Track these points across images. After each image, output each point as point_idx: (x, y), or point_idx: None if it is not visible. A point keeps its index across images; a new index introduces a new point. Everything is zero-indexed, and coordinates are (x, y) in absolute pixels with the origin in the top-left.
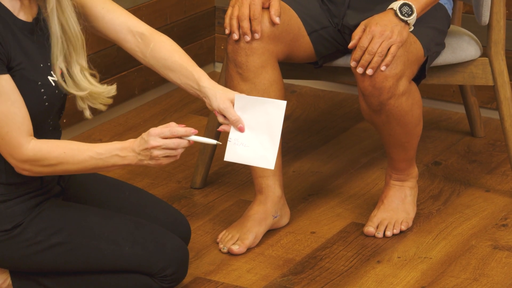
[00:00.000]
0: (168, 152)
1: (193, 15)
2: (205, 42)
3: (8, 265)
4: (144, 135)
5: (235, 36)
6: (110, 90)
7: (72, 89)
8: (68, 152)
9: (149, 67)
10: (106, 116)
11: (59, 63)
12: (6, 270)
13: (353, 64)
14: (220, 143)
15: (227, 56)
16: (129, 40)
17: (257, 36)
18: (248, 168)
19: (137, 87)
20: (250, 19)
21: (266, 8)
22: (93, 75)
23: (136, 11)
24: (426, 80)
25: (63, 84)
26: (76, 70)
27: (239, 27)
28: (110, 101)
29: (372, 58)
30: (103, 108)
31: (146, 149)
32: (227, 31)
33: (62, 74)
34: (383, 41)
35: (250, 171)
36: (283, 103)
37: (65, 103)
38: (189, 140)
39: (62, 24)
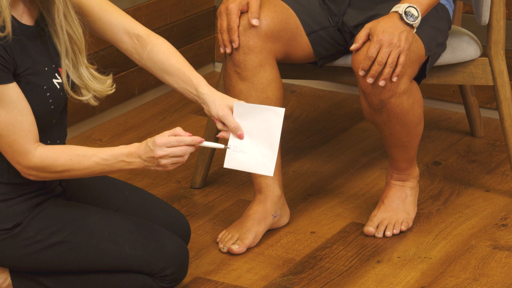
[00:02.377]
0: (175, 160)
1: (193, 15)
2: (205, 42)
3: (8, 264)
4: (149, 143)
5: (221, 50)
6: (110, 84)
7: (81, 96)
8: (74, 159)
9: (145, 69)
10: (106, 116)
11: (67, 69)
12: (6, 269)
13: (361, 73)
14: (229, 147)
15: (225, 55)
16: (125, 41)
17: (234, 45)
18: None
19: (137, 87)
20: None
21: (246, 12)
22: (93, 69)
23: (136, 11)
24: (426, 80)
25: (71, 93)
26: (82, 69)
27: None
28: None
29: (383, 68)
30: (93, 102)
31: (153, 157)
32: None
33: (71, 83)
34: (391, 51)
35: None
36: (282, 110)
37: (67, 101)
38: (195, 145)
39: (67, 30)
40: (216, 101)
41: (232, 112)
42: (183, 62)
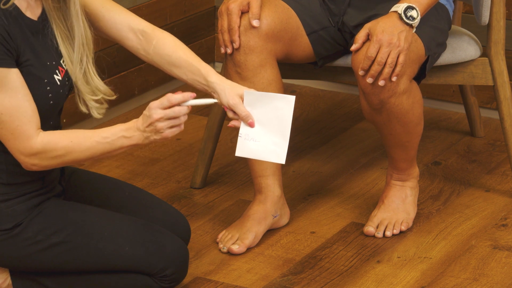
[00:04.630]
0: (171, 122)
1: (193, 15)
2: (204, 42)
3: (8, 264)
4: (145, 111)
5: (222, 50)
6: (112, 93)
7: (88, 95)
8: (75, 141)
9: (152, 64)
10: (106, 116)
11: (78, 71)
12: (6, 270)
13: (361, 73)
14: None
15: (226, 55)
16: (130, 38)
17: (235, 46)
18: (248, 167)
19: (137, 87)
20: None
21: (247, 12)
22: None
23: (136, 11)
24: (426, 80)
25: (78, 92)
26: (92, 72)
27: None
28: (105, 105)
29: (382, 68)
30: (98, 116)
31: (151, 124)
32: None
33: (76, 84)
34: (391, 51)
35: (250, 171)
36: (292, 98)
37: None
38: (188, 106)
39: (79, 29)
40: (226, 89)
41: (243, 101)
42: (190, 53)
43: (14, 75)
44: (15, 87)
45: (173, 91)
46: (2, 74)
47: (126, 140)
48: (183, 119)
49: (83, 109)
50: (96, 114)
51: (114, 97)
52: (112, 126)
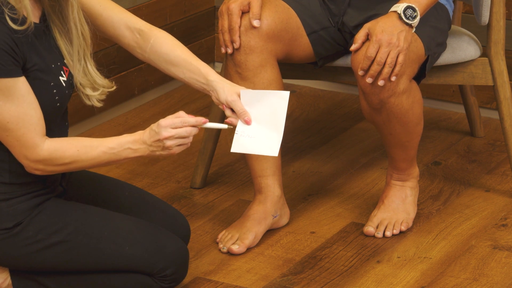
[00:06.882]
0: (180, 141)
1: (193, 15)
2: (204, 42)
3: (8, 263)
4: (154, 126)
5: (222, 50)
6: (111, 85)
7: (89, 91)
8: (81, 150)
9: (148, 63)
10: (106, 116)
11: (78, 66)
12: (6, 269)
13: (361, 73)
14: (231, 127)
15: (226, 55)
16: (127, 36)
17: (235, 46)
18: (248, 167)
19: (137, 87)
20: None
21: (247, 12)
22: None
23: (136, 11)
24: (426, 80)
25: (80, 88)
26: (90, 66)
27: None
28: (103, 96)
29: (382, 68)
30: (98, 104)
31: (158, 140)
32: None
33: (79, 83)
34: (390, 51)
35: (250, 171)
36: (287, 94)
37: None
38: (198, 128)
39: (76, 24)
40: (225, 87)
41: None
42: (188, 52)
43: (21, 84)
44: (21, 95)
45: (173, 91)
46: (10, 84)
47: (132, 152)
48: (192, 138)
49: (86, 100)
50: (96, 103)
51: (113, 88)
52: (119, 137)
